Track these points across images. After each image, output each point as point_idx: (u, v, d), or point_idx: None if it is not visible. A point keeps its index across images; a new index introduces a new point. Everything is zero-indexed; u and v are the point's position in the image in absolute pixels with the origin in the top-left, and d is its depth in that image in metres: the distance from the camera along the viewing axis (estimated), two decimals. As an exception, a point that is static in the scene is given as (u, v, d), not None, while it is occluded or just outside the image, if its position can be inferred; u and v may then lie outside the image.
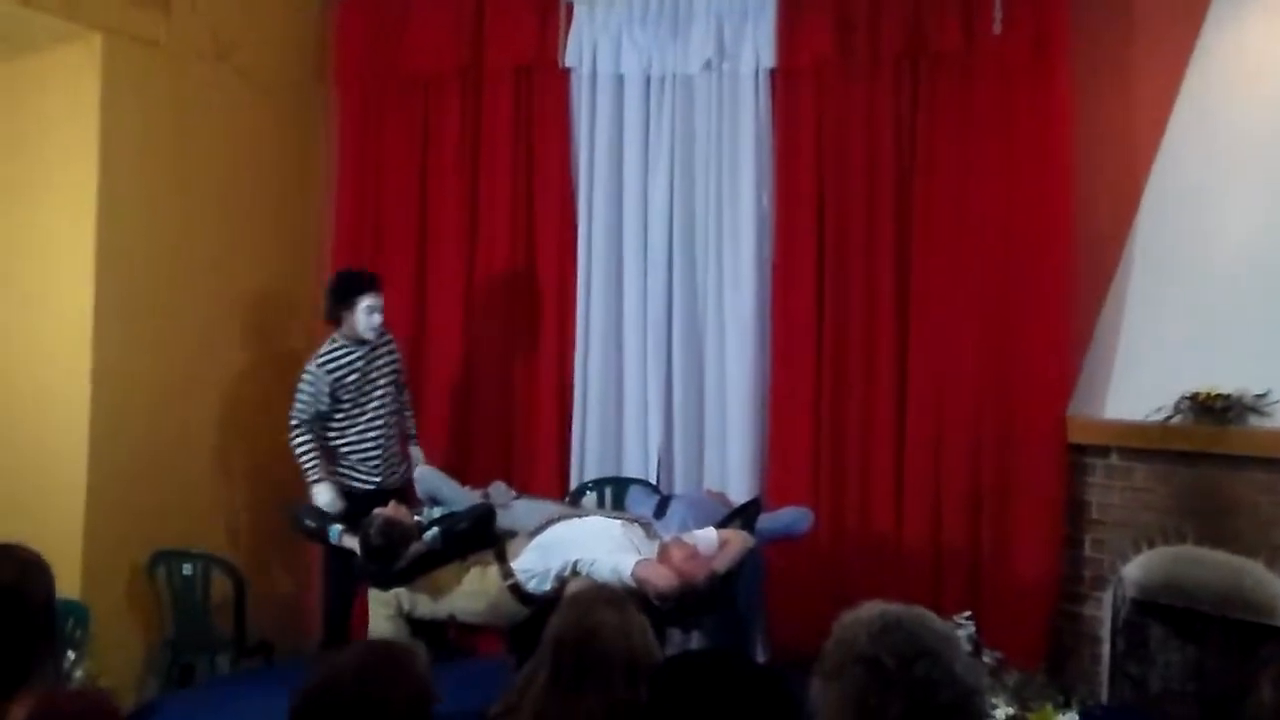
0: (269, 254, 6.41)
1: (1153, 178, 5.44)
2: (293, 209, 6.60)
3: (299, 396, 5.49)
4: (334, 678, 2.20)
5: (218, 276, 6.08)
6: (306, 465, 5.48)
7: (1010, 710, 3.95)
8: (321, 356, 5.51)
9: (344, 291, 5.53)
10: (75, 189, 5.50)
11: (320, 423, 5.51)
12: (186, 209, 5.90)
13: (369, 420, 5.57)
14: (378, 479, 5.58)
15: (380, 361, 5.63)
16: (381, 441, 5.62)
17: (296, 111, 6.64)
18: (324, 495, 5.46)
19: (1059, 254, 5.53)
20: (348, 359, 5.51)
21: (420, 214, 6.48)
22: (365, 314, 5.48)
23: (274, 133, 6.47)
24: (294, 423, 5.49)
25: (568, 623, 2.72)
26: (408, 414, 5.89)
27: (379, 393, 5.61)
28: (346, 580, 5.38)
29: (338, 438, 5.58)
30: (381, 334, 5.62)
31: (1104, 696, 5.16)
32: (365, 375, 5.56)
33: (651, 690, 1.80)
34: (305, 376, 5.50)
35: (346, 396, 5.52)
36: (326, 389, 5.47)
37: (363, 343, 5.53)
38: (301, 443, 5.48)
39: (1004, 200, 5.65)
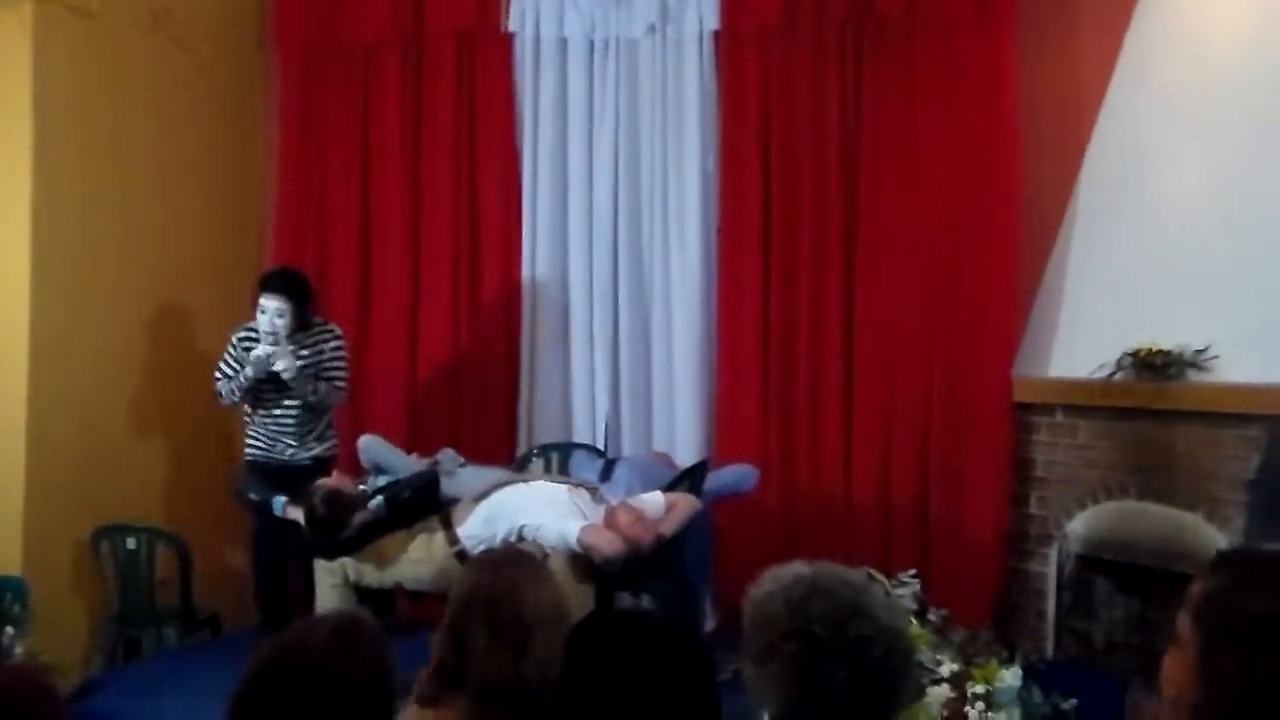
0: (210, 226, 6.33)
1: (1095, 136, 5.47)
2: (234, 180, 6.52)
3: (218, 367, 5.47)
4: (292, 647, 2.16)
5: (157, 249, 6.01)
6: (236, 382, 5.36)
7: (955, 666, 3.97)
8: (241, 329, 5.44)
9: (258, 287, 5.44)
10: (8, 162, 5.41)
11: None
12: (124, 182, 5.82)
13: (264, 407, 5.47)
14: (278, 451, 5.48)
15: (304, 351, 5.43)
16: (272, 429, 5.49)
17: (235, 81, 6.55)
18: (259, 349, 5.27)
19: (1004, 214, 5.54)
20: (253, 335, 5.37)
21: (363, 183, 6.42)
22: (258, 313, 5.34)
23: (213, 103, 6.38)
24: (216, 389, 5.46)
25: (473, 582, 2.67)
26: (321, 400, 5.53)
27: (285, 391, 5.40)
28: (273, 550, 5.36)
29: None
30: (310, 332, 5.43)
31: (1049, 651, 5.21)
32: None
33: (566, 651, 1.79)
34: (227, 349, 5.47)
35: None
36: (238, 362, 5.39)
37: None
38: (222, 387, 5.43)
39: (950, 161, 5.66)
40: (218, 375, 5.46)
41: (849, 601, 2.10)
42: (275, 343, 5.29)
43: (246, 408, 5.54)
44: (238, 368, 5.38)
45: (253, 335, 5.37)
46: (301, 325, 5.39)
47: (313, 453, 5.52)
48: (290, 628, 2.26)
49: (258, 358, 5.28)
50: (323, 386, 5.45)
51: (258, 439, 5.50)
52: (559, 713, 1.74)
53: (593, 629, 1.88)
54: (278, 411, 5.46)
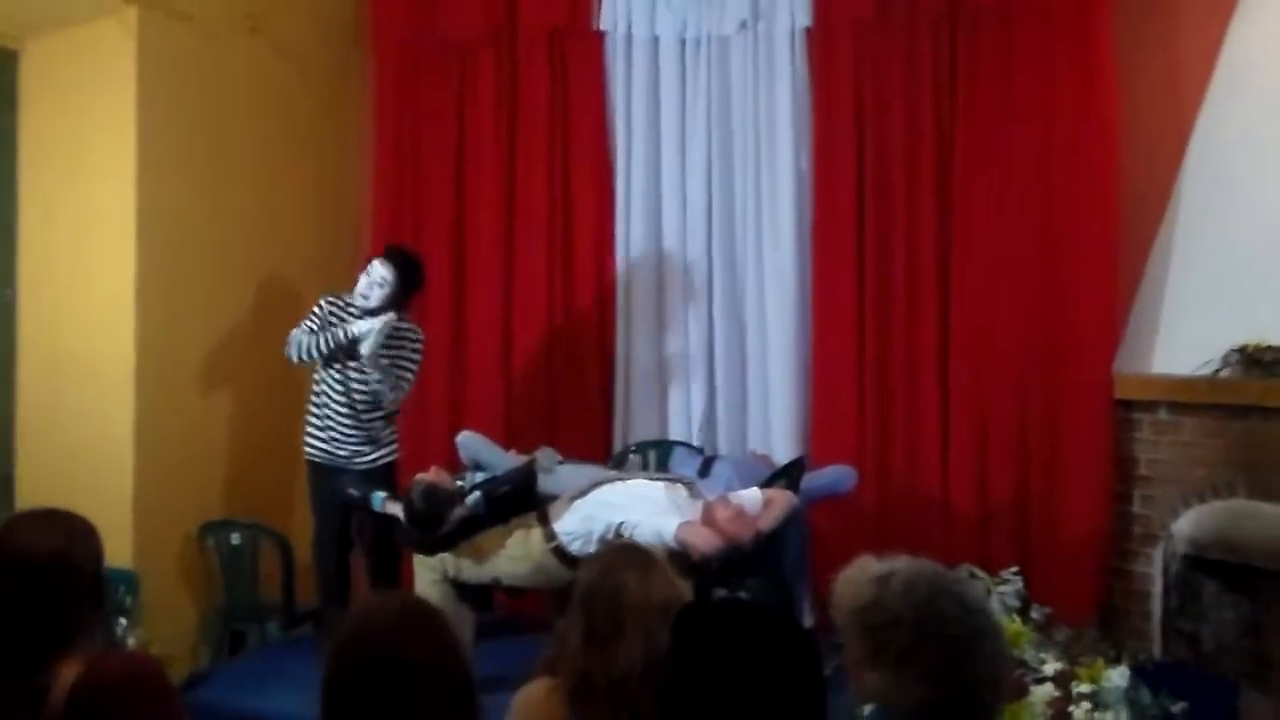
0: (307, 225, 6.44)
1: (1198, 129, 5.36)
2: (330, 178, 6.62)
3: (302, 323, 5.38)
4: (362, 635, 2.19)
5: (258, 248, 6.12)
6: (321, 340, 5.24)
7: (1059, 665, 3.92)
8: (335, 295, 5.44)
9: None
10: (114, 164, 5.52)
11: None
12: (225, 182, 5.92)
13: (326, 382, 5.38)
14: (340, 453, 5.39)
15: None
16: (327, 412, 5.39)
17: (331, 81, 6.64)
18: (363, 324, 5.23)
19: (1104, 208, 5.46)
20: (348, 307, 5.37)
21: (457, 182, 6.47)
22: (362, 274, 5.34)
23: (310, 103, 6.47)
24: (291, 337, 5.33)
25: (592, 579, 2.75)
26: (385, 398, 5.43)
27: (353, 365, 5.32)
28: (337, 544, 5.41)
29: (316, 400, 5.44)
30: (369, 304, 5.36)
31: (1156, 653, 5.11)
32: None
33: (673, 636, 1.80)
34: (314, 306, 5.42)
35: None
36: (322, 321, 5.33)
37: (364, 310, 5.33)
38: (300, 340, 5.28)
39: (1047, 155, 5.59)
40: (300, 326, 5.34)
41: (965, 599, 2.09)
42: (369, 302, 5.26)
43: (312, 405, 5.42)
44: (317, 326, 5.32)
45: (340, 305, 5.37)
46: (394, 307, 5.34)
47: (372, 457, 5.45)
48: (349, 616, 2.28)
49: (359, 330, 5.20)
50: (387, 376, 5.36)
51: (318, 440, 5.41)
52: (665, 698, 1.74)
53: (697, 616, 1.89)
54: (344, 413, 5.36)
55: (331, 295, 5.46)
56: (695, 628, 1.81)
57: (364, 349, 5.23)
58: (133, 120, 5.49)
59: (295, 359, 5.35)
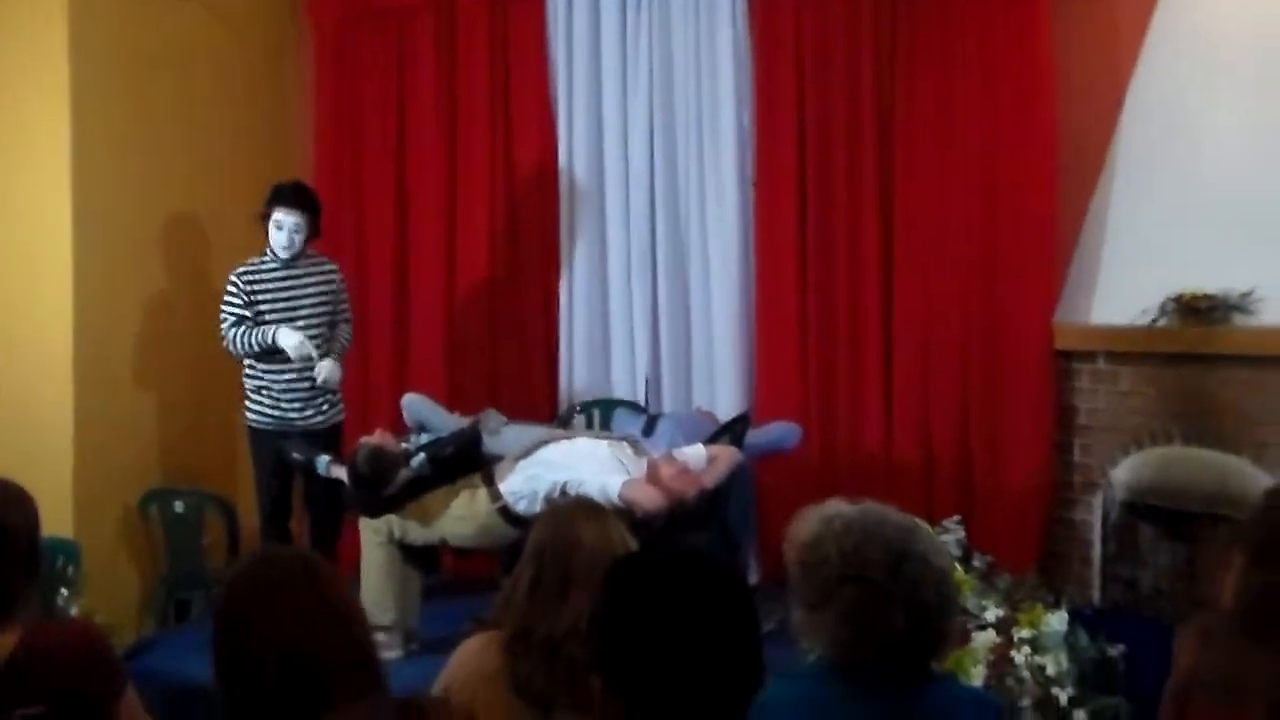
0: (248, 193, 6.30)
1: (1134, 83, 5.40)
2: (270, 145, 6.52)
3: (222, 308, 5.26)
4: (250, 587, 2.16)
5: (196, 218, 6.04)
6: (255, 339, 5.18)
7: (1000, 612, 3.97)
8: (241, 266, 5.30)
9: (266, 202, 5.28)
10: (47, 134, 5.41)
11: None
12: (162, 151, 5.83)
13: (272, 357, 5.28)
14: (299, 416, 5.32)
15: (306, 285, 5.35)
16: (290, 381, 5.30)
17: (270, 50, 6.56)
18: (289, 337, 5.16)
19: (1042, 164, 5.49)
20: (266, 272, 5.26)
21: (399, 146, 6.41)
22: (275, 229, 5.23)
23: (248, 69, 6.39)
24: (222, 330, 5.26)
25: (548, 533, 2.75)
26: (340, 344, 5.49)
27: (304, 316, 5.29)
28: (275, 500, 5.40)
29: (247, 368, 5.34)
30: (312, 259, 5.38)
31: (1096, 599, 5.20)
32: (285, 295, 5.28)
33: (605, 588, 1.79)
34: (227, 286, 5.28)
35: (269, 317, 5.23)
36: (245, 299, 5.21)
37: (290, 262, 5.27)
38: (235, 334, 5.20)
39: (986, 111, 5.61)
40: (226, 318, 5.25)
41: (900, 544, 2.10)
42: (292, 252, 5.23)
43: (247, 367, 5.34)
44: (244, 314, 5.21)
45: (256, 272, 5.24)
46: (309, 240, 5.31)
47: (325, 416, 5.41)
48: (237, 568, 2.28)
49: (303, 355, 5.19)
50: (345, 330, 5.45)
51: (267, 403, 5.32)
52: (594, 651, 1.74)
53: (628, 564, 1.89)
54: (289, 375, 5.28)
55: (242, 269, 5.29)
56: (625, 576, 1.81)
57: (293, 354, 5.19)
58: (66, 90, 5.37)
59: (227, 350, 5.30)
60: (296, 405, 5.33)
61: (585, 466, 4.70)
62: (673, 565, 1.86)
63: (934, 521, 4.51)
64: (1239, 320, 4.84)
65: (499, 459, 4.97)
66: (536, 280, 6.27)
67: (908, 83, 5.76)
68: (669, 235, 6.15)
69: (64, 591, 4.56)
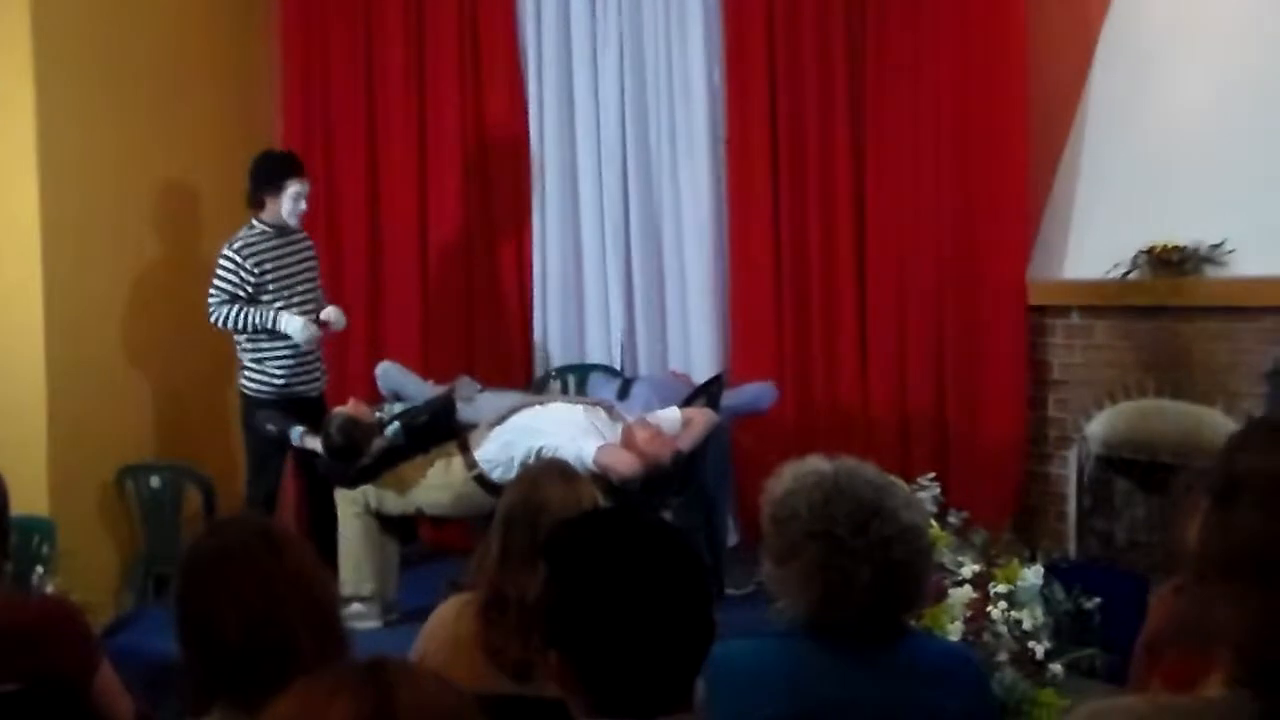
0: (217, 158, 6.27)
1: (1104, 34, 5.38)
2: (239, 110, 6.46)
3: (215, 283, 5.20)
4: (215, 552, 2.15)
5: (164, 185, 5.99)
6: (252, 320, 5.18)
7: (977, 568, 3.99)
8: (237, 240, 5.23)
9: (271, 173, 5.27)
10: (10, 97, 5.34)
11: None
12: (129, 114, 5.77)
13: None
14: (288, 389, 5.34)
15: (300, 255, 5.41)
16: (298, 349, 5.32)
17: (238, 15, 6.48)
18: (293, 323, 5.20)
19: (1012, 118, 5.47)
20: (266, 244, 5.26)
21: (369, 113, 6.38)
22: (292, 199, 5.25)
23: (215, 31, 6.32)
24: (211, 307, 5.20)
25: (516, 498, 2.74)
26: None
27: (302, 288, 5.37)
28: (272, 473, 5.42)
29: (250, 339, 5.32)
30: (299, 227, 5.43)
31: (1072, 552, 5.23)
32: (285, 266, 5.32)
33: (546, 552, 1.78)
34: (221, 262, 5.20)
35: (272, 288, 5.26)
36: (247, 276, 5.19)
37: (283, 231, 5.30)
38: (229, 313, 5.17)
39: (956, 66, 5.57)
40: (217, 297, 5.21)
41: (870, 501, 2.10)
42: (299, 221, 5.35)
43: (246, 338, 5.33)
44: (237, 293, 5.20)
45: (253, 245, 5.22)
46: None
47: (320, 382, 5.51)
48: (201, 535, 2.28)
49: (309, 338, 5.26)
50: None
51: (273, 373, 5.32)
52: (545, 619, 1.73)
53: (568, 528, 1.87)
54: (291, 342, 5.29)
55: (239, 244, 5.24)
56: (560, 544, 1.80)
57: (300, 339, 5.24)
58: (29, 50, 5.30)
59: (217, 326, 5.27)
60: (299, 373, 5.35)
61: (560, 432, 4.70)
62: (605, 526, 1.86)
63: (910, 479, 4.53)
64: (1210, 272, 4.84)
65: (474, 427, 4.97)
66: (510, 246, 6.25)
67: (878, 36, 5.72)
68: (641, 197, 6.14)
69: (40, 570, 4.54)
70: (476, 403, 5.19)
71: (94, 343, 5.59)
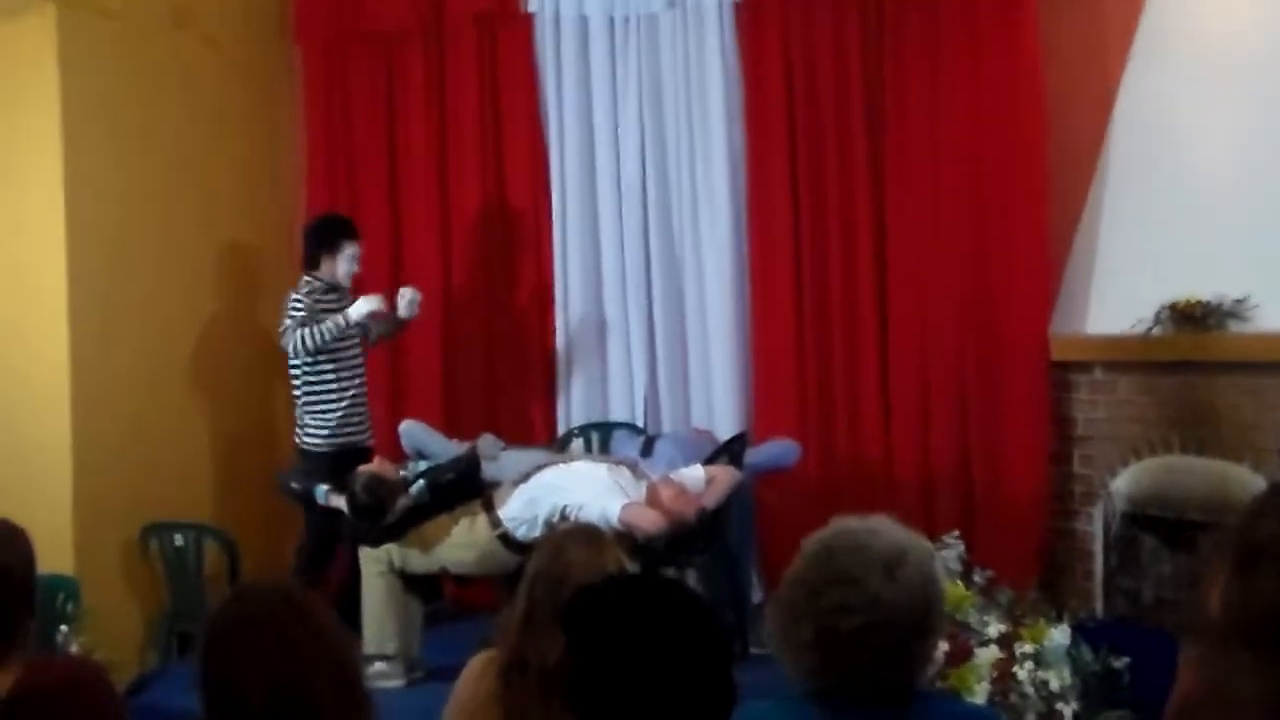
0: (241, 220, 6.36)
1: (1124, 88, 5.40)
2: (263, 173, 6.54)
3: (288, 314, 5.38)
4: (238, 618, 2.16)
5: (191, 246, 6.04)
6: (322, 332, 5.32)
7: (1002, 627, 3.96)
8: (303, 287, 5.45)
9: (329, 235, 5.53)
10: (41, 164, 5.44)
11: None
12: (155, 179, 5.85)
13: (338, 371, 5.47)
14: (344, 438, 5.47)
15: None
16: (354, 396, 5.52)
17: (261, 75, 6.56)
18: (360, 303, 5.38)
19: (1033, 170, 5.50)
20: (324, 299, 5.45)
21: (390, 171, 6.43)
22: (347, 261, 5.50)
23: (239, 97, 6.39)
24: (284, 335, 5.36)
25: (542, 561, 2.74)
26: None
27: (349, 345, 5.52)
28: (327, 538, 5.44)
29: (306, 389, 5.47)
30: (351, 287, 5.59)
31: (1099, 611, 5.18)
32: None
33: (567, 619, 1.77)
34: (292, 301, 5.41)
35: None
36: (312, 313, 5.36)
37: (335, 289, 5.49)
38: (303, 334, 5.30)
39: (976, 121, 5.61)
40: (290, 322, 5.36)
41: (838, 569, 2.04)
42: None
43: (306, 388, 5.47)
44: (306, 316, 5.34)
45: (315, 294, 5.41)
46: None
47: (370, 434, 5.64)
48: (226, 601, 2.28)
49: (355, 315, 5.37)
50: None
51: (330, 421, 5.44)
52: (570, 683, 1.72)
53: (591, 593, 1.86)
54: (352, 391, 5.50)
55: (305, 288, 5.44)
56: (581, 610, 1.79)
57: (374, 305, 5.42)
58: (57, 119, 5.41)
59: (295, 350, 5.39)
60: (352, 418, 5.49)
61: (584, 490, 4.69)
62: (625, 593, 1.85)
63: (934, 536, 4.50)
64: (1234, 327, 4.82)
65: (498, 485, 4.97)
66: (532, 304, 6.28)
67: (897, 95, 5.76)
68: (663, 256, 6.16)
69: (64, 628, 4.54)
70: (500, 461, 5.20)
71: (118, 401, 5.61)
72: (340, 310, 5.42)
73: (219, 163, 6.22)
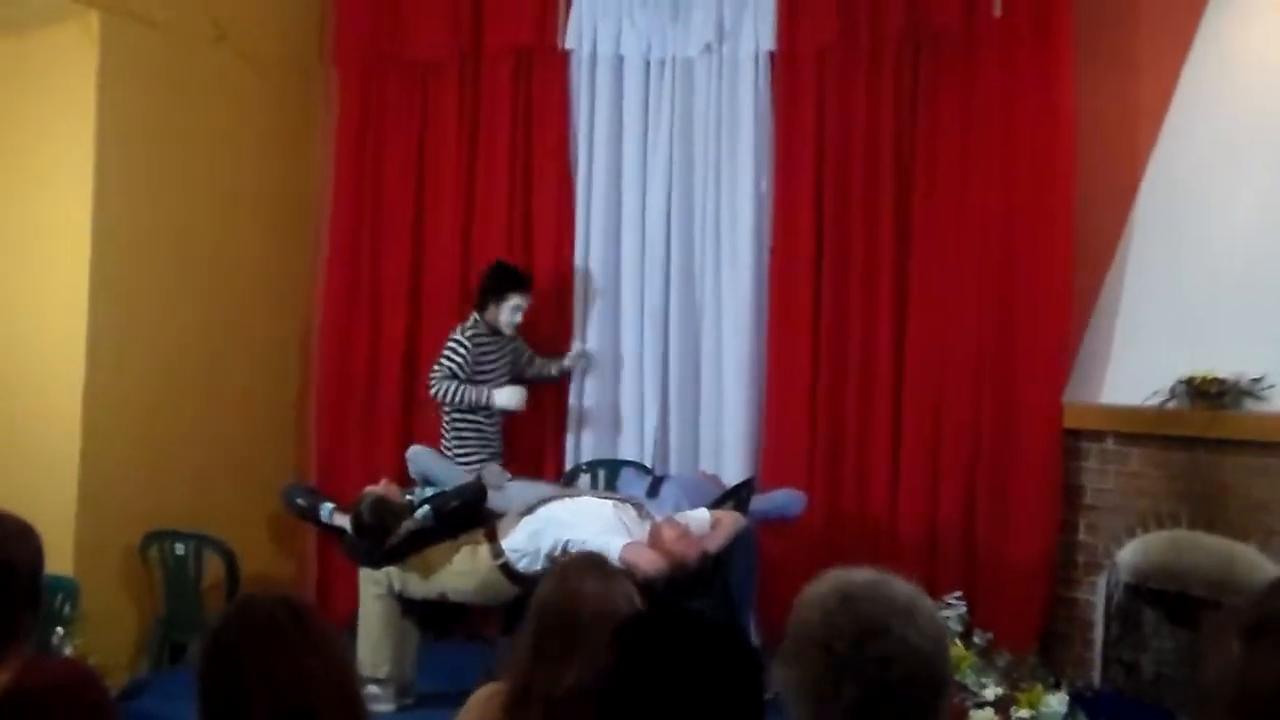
0: (266, 236, 6.41)
1: (1152, 163, 5.42)
2: (290, 191, 6.59)
3: (446, 357, 5.68)
4: (234, 632, 2.17)
5: (213, 258, 6.08)
6: (470, 397, 5.66)
7: (1000, 690, 3.94)
8: (469, 329, 5.76)
9: (498, 284, 5.80)
10: (72, 169, 5.48)
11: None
12: (184, 190, 5.89)
13: (480, 429, 5.77)
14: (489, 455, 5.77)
15: (504, 357, 5.89)
16: (488, 437, 5.81)
17: (296, 93, 6.62)
18: (506, 394, 5.71)
19: (1058, 239, 5.51)
20: (486, 340, 5.78)
21: (418, 197, 6.46)
22: (509, 311, 5.80)
23: (273, 114, 6.46)
24: (434, 380, 5.69)
25: (550, 592, 2.71)
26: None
27: (499, 383, 5.80)
28: None
29: (454, 429, 5.78)
30: (514, 334, 5.93)
31: (1096, 681, 5.15)
32: (490, 362, 5.79)
33: (613, 646, 1.78)
34: (453, 343, 5.72)
35: (478, 379, 5.73)
36: (470, 359, 5.68)
37: (496, 332, 5.81)
38: (450, 388, 5.64)
39: (1004, 184, 5.63)
40: (443, 371, 5.67)
41: (876, 619, 2.03)
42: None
43: (457, 413, 5.75)
44: (460, 373, 5.66)
45: (479, 340, 5.74)
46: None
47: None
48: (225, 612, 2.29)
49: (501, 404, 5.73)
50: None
51: (469, 446, 5.74)
52: (602, 710, 1.73)
53: (639, 627, 1.87)
54: (495, 417, 5.85)
55: (470, 333, 5.76)
56: (636, 639, 1.80)
57: (514, 405, 5.79)
58: (91, 125, 5.45)
59: (438, 397, 5.73)
60: (486, 443, 5.80)
61: (588, 526, 4.69)
62: (680, 627, 1.85)
63: (936, 596, 4.49)
64: (1250, 406, 4.81)
65: (502, 515, 4.96)
66: (550, 337, 6.28)
67: (927, 154, 5.79)
68: (682, 299, 6.17)
69: (60, 630, 4.54)
70: (506, 491, 5.20)
71: (129, 409, 5.64)
72: (496, 363, 5.81)
73: (246, 177, 6.27)
